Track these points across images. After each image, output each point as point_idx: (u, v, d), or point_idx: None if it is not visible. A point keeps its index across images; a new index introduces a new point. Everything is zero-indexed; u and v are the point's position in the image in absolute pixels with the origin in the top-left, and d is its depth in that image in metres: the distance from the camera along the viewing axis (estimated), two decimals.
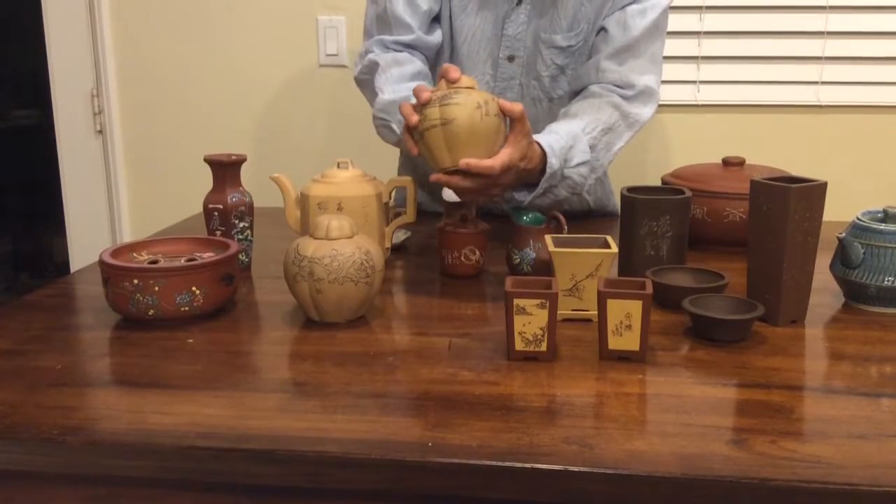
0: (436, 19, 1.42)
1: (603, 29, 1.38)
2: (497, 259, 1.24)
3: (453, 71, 1.05)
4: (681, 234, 1.12)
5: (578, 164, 1.25)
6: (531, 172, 1.17)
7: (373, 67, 1.37)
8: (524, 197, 1.24)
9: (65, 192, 2.18)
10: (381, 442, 0.71)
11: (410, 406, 0.78)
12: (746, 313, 0.95)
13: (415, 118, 1.04)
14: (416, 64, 1.37)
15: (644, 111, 1.37)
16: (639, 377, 0.85)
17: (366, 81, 1.41)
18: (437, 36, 1.42)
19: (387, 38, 1.39)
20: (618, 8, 1.36)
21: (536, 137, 1.18)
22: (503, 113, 1.05)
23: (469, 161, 1.02)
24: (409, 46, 1.40)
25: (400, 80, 1.33)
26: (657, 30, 1.37)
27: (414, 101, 1.06)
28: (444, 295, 1.13)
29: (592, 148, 1.27)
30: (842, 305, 1.08)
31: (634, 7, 1.35)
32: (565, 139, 1.23)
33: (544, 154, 1.18)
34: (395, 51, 1.39)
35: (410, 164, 1.58)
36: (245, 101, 2.08)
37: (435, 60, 1.45)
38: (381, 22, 1.41)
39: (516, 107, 1.06)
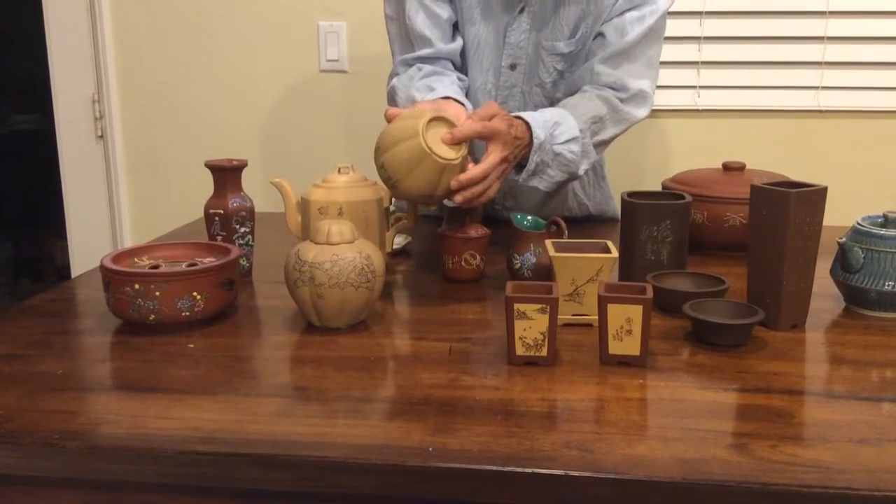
0: (455, 25, 1.44)
1: (600, 34, 1.38)
2: (497, 264, 1.24)
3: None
4: (681, 239, 1.12)
5: (568, 141, 1.25)
6: (523, 149, 1.19)
7: (393, 94, 1.41)
8: (516, 177, 1.24)
9: (66, 196, 2.18)
10: (382, 447, 0.71)
11: (411, 411, 0.78)
12: (747, 318, 0.95)
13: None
14: (425, 69, 1.38)
15: (636, 112, 1.38)
16: (639, 382, 0.85)
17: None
18: (458, 41, 1.43)
19: (409, 56, 1.41)
20: (616, 14, 1.36)
21: (518, 113, 1.20)
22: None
23: (459, 178, 1.07)
24: (431, 59, 1.41)
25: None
26: (654, 35, 1.38)
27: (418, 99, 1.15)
28: (444, 300, 1.13)
29: (582, 132, 1.28)
30: (842, 310, 1.08)
31: (633, 13, 1.36)
32: (549, 114, 1.24)
33: (530, 129, 1.19)
34: (412, 66, 1.41)
35: None
36: (246, 106, 2.09)
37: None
38: (402, 39, 1.44)
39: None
